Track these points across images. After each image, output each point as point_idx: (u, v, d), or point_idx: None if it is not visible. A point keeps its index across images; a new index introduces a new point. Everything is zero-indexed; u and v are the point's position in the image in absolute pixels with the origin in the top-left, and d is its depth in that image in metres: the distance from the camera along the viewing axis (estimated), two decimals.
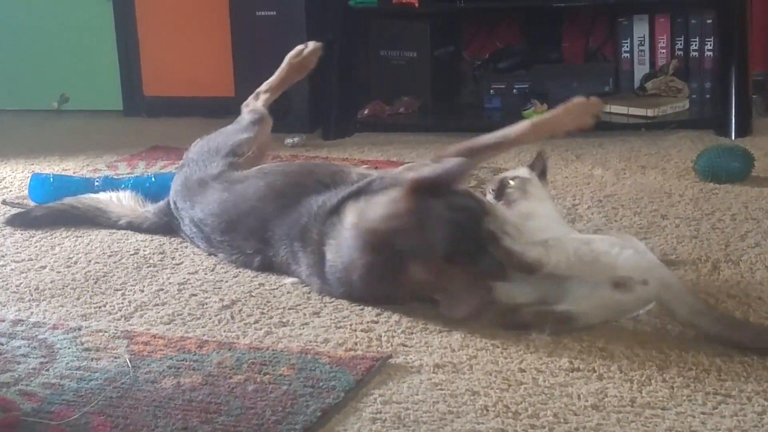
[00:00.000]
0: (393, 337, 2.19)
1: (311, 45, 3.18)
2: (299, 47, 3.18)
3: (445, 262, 2.23)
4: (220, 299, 2.44)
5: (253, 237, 2.58)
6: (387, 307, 2.32)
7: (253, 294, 2.47)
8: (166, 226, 2.88)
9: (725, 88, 3.92)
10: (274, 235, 2.53)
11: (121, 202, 3.02)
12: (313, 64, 3.19)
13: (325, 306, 2.37)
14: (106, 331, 2.26)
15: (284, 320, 2.31)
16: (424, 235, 2.24)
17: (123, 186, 3.12)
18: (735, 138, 3.74)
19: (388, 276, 2.28)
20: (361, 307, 2.34)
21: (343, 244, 2.34)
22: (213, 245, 2.70)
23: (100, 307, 2.42)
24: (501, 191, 2.41)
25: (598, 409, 1.85)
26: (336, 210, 2.42)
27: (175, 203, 2.84)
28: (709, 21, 4.12)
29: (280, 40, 4.15)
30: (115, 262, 2.73)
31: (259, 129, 2.99)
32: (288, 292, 2.46)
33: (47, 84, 4.82)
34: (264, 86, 3.17)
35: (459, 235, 2.25)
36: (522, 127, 2.54)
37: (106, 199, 3.05)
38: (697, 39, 4.15)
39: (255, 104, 3.11)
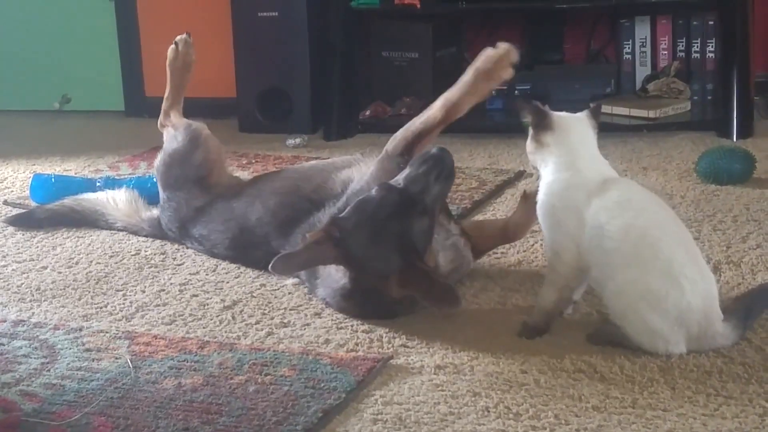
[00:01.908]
0: (394, 338, 2.19)
1: (178, 39, 3.06)
2: (171, 49, 3.06)
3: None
4: (222, 300, 2.44)
5: (257, 250, 2.58)
6: None
7: (254, 295, 2.46)
8: (162, 236, 2.87)
9: (727, 89, 3.92)
10: (276, 251, 2.52)
11: (118, 204, 3.00)
12: (192, 55, 3.07)
13: (327, 307, 2.37)
14: (107, 332, 2.26)
15: (285, 321, 2.31)
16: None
17: (125, 185, 3.12)
18: (736, 140, 3.73)
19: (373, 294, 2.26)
20: None
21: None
22: (216, 255, 2.70)
23: (101, 308, 2.42)
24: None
25: (600, 411, 1.85)
26: None
27: (170, 229, 2.84)
28: (711, 22, 4.11)
29: (282, 41, 4.17)
30: (116, 263, 2.73)
31: (201, 141, 2.90)
32: (289, 293, 2.46)
33: (49, 84, 4.81)
34: (165, 104, 3.06)
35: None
36: (464, 82, 2.55)
37: (103, 200, 3.04)
38: (698, 40, 4.14)
39: (173, 121, 3.01)
